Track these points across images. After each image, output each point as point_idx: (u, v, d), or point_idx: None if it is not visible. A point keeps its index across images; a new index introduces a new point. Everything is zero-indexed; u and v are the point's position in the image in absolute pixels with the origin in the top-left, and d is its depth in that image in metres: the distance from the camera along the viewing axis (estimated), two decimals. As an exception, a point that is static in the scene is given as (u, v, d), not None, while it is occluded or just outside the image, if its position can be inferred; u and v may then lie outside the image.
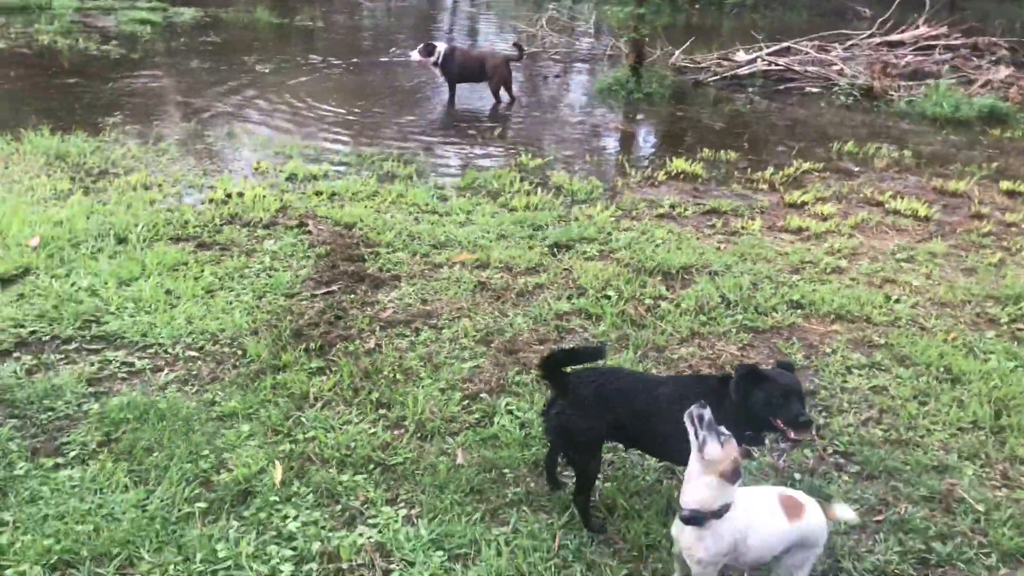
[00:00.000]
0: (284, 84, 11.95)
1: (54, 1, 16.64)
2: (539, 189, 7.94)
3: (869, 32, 15.58)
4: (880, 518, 3.64)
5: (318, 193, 7.40)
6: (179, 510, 3.48)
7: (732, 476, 2.81)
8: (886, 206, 8.00)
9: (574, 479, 3.55)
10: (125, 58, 12.93)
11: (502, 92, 11.72)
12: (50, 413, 4.11)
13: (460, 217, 7.05)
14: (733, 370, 3.34)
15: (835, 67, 14.05)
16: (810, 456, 4.05)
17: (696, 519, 2.85)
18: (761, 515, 2.95)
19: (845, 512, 3.19)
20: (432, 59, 11.32)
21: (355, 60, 14.29)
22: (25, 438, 3.91)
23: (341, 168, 8.31)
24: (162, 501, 3.51)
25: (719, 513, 2.85)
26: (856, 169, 9.42)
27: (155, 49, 13.94)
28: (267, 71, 12.72)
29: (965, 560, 3.43)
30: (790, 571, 3.03)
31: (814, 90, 13.55)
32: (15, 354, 4.62)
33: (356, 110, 10.82)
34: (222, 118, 9.99)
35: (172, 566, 3.19)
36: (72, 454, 3.81)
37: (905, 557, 3.43)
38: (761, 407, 3.15)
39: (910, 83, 13.55)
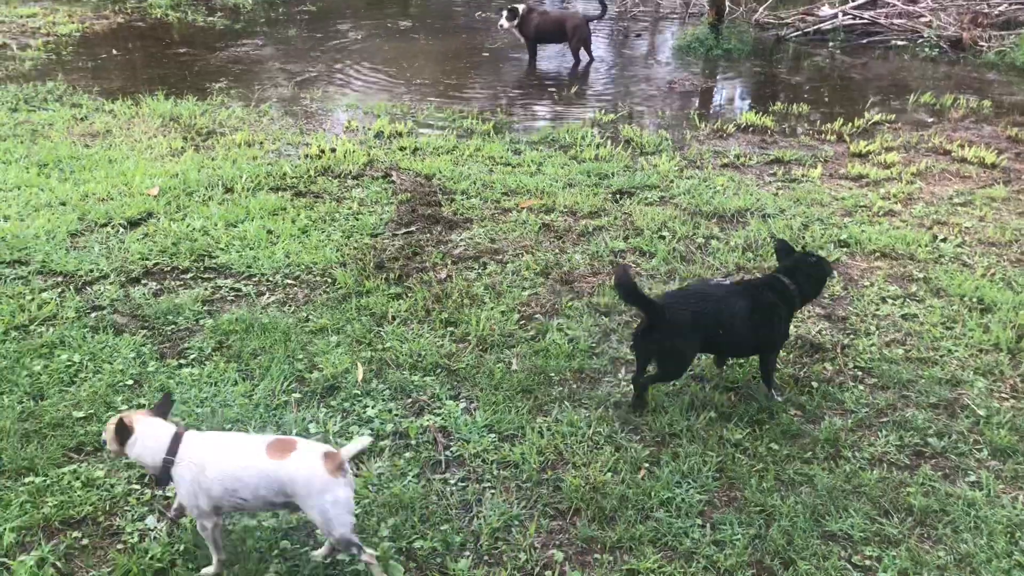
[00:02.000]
0: (375, 49, 12.69)
1: (165, -23, 17.83)
2: (609, 142, 8.39)
3: (962, -19, 15.17)
4: (885, 419, 4.06)
5: (402, 148, 8.07)
6: (278, 399, 4.20)
7: None
8: (953, 154, 8.12)
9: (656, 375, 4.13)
10: (229, 28, 13.90)
11: (582, 52, 12.14)
12: (173, 326, 4.90)
13: (531, 168, 7.59)
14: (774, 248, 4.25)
15: (923, 19, 13.83)
16: (829, 368, 4.48)
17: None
18: (226, 452, 3.04)
19: (353, 447, 3.09)
20: (514, 22, 11.84)
21: (443, 24, 14.92)
22: (155, 344, 4.71)
23: (424, 127, 8.95)
24: (265, 392, 4.24)
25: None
26: (930, 120, 9.49)
27: (256, 19, 14.88)
28: (359, 37, 13.47)
29: (957, 453, 3.83)
30: (323, 526, 2.99)
31: (899, 43, 13.42)
32: (143, 281, 5.45)
33: (441, 72, 11.45)
34: (317, 82, 10.78)
35: (273, 439, 3.92)
36: (192, 356, 4.59)
37: (902, 449, 3.86)
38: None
39: (1002, 33, 13.24)
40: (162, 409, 3.23)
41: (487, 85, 10.94)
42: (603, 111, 9.64)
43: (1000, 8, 13.97)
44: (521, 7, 11.93)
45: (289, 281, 5.43)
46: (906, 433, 3.96)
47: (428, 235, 6.13)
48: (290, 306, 5.12)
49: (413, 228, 6.26)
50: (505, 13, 11.93)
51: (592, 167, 7.59)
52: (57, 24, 13.16)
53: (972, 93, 10.63)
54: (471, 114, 9.30)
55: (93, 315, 4.96)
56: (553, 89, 10.75)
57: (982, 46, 12.83)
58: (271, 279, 5.44)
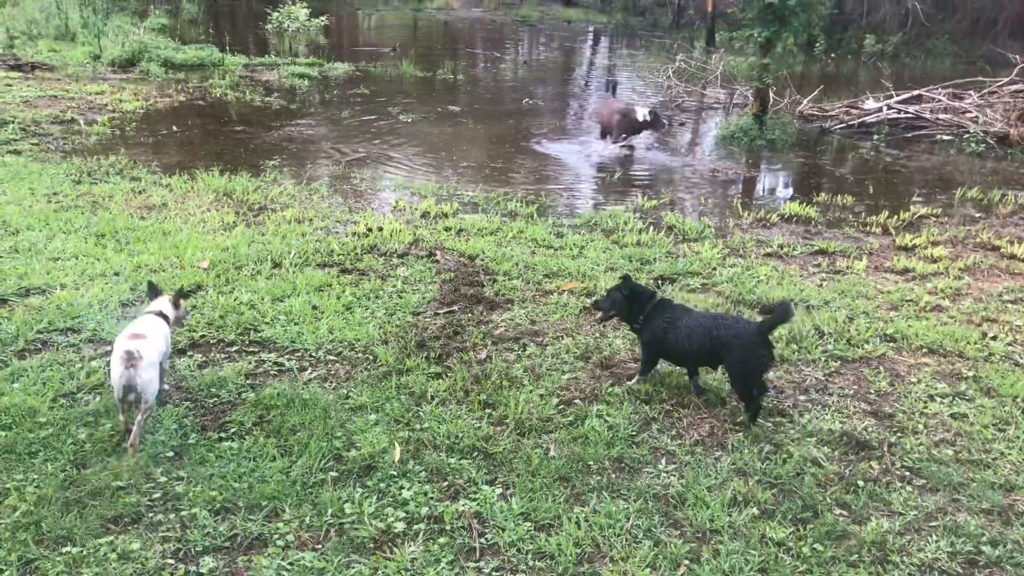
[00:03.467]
0: (424, 132, 13.06)
1: (226, 59, 18.66)
2: (651, 228, 8.45)
3: (1009, 79, 15.25)
4: (935, 523, 3.92)
5: (447, 229, 8.20)
6: (315, 477, 4.19)
7: None
8: (1002, 251, 8.03)
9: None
10: (285, 108, 14.43)
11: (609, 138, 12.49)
12: (216, 399, 4.96)
13: (573, 251, 7.65)
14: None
15: (969, 114, 13.88)
16: (876, 467, 4.36)
17: None
18: None
19: None
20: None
21: (491, 109, 15.34)
22: (196, 416, 4.76)
23: (470, 208, 9.12)
24: (302, 469, 4.24)
25: None
26: (977, 215, 9.42)
27: (311, 100, 15.44)
28: (409, 120, 13.88)
29: (1013, 564, 3.66)
30: None
31: (945, 138, 13.45)
32: (189, 353, 5.55)
33: (487, 156, 11.71)
34: (367, 162, 11.08)
35: (308, 517, 3.90)
36: (232, 430, 4.62)
37: (954, 556, 3.71)
38: None
39: (1051, 130, 13.20)
40: None
41: (533, 169, 11.14)
42: (646, 197, 9.73)
43: (1048, 106, 13.97)
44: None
45: (331, 357, 5.48)
46: (958, 539, 3.81)
47: (469, 315, 6.17)
48: (331, 382, 5.15)
49: (455, 307, 6.31)
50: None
51: (634, 252, 7.62)
52: (123, 101, 13.77)
53: (1021, 189, 10.56)
54: (515, 196, 9.46)
55: (139, 385, 5.04)
56: (598, 176, 10.91)
57: (1031, 143, 12.80)
58: (314, 354, 5.50)
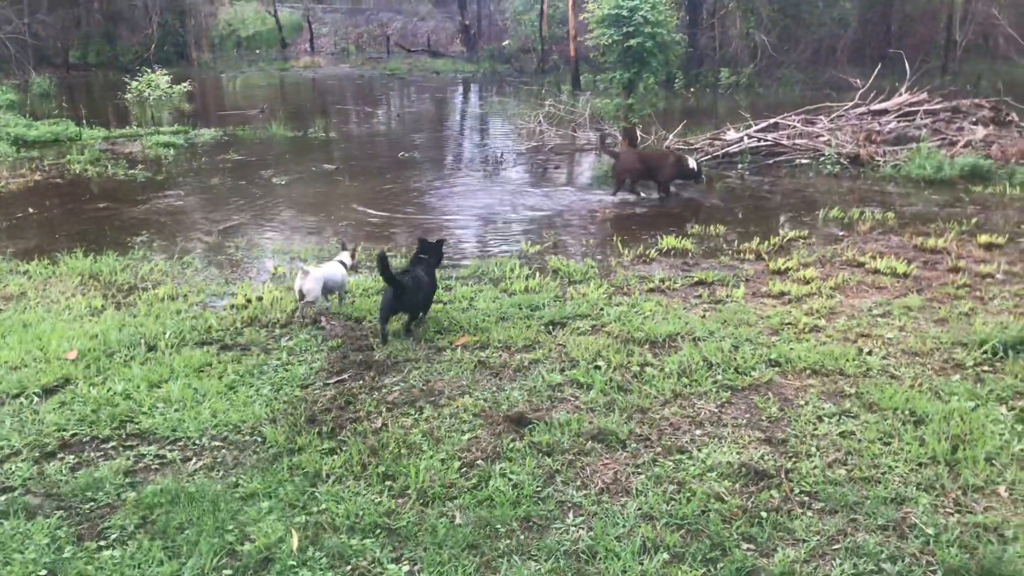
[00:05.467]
0: (300, 193, 12.81)
1: (84, 133, 17.87)
2: (537, 273, 8.50)
3: (853, 103, 16.33)
4: (837, 546, 4.00)
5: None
6: (208, 578, 3.92)
7: None
8: (867, 266, 8.47)
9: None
10: (151, 180, 13.89)
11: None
12: (92, 503, 4.59)
13: (463, 304, 7.60)
14: None
15: (822, 138, 14.74)
16: (776, 496, 4.43)
17: None
18: None
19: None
20: None
21: (366, 166, 15.23)
22: (71, 526, 4.39)
23: (352, 268, 8.92)
24: (193, 571, 3.95)
25: None
26: (841, 233, 9.95)
27: (178, 170, 14.93)
28: (283, 182, 13.60)
29: (913, 578, 3.77)
30: None
31: (803, 161, 14.22)
32: (59, 455, 5.14)
33: (367, 212, 11.58)
34: (241, 230, 10.75)
35: (202, 625, 3.62)
36: (113, 536, 4.28)
37: (858, 578, 3.78)
38: None
39: (895, 148, 14.19)
40: None
41: (417, 224, 11.08)
42: (529, 242, 9.82)
43: (890, 126, 15.01)
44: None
45: (217, 443, 5.19)
46: (860, 560, 3.90)
47: (361, 382, 6.00)
48: (219, 471, 4.87)
49: (345, 375, 6.12)
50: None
51: (523, 299, 7.64)
52: (-29, 185, 12.93)
53: (876, 205, 11.25)
54: (399, 253, 9.35)
55: (2, 498, 4.62)
56: (478, 224, 10.95)
57: (879, 161, 13.69)
58: (198, 442, 5.20)
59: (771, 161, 14.46)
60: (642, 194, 12.48)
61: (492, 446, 5.01)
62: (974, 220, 10.16)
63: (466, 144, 19.40)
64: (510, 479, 4.66)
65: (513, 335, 6.73)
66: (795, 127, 15.30)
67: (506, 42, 38.14)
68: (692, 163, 12.29)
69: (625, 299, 7.66)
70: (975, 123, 15.05)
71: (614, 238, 10.07)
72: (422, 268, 7.04)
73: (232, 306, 7.67)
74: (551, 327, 6.99)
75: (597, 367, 6.10)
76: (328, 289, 7.41)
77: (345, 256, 7.77)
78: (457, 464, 4.81)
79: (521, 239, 10.06)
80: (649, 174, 12.41)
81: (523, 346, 6.56)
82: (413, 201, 12.46)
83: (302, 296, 7.22)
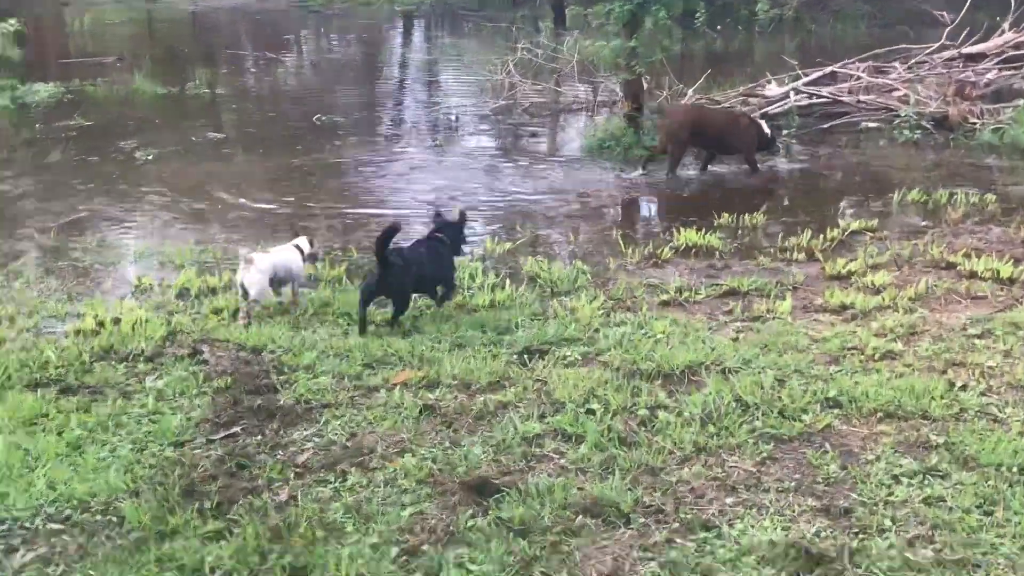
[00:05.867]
0: (174, 173, 12.72)
1: None
2: (508, 281, 8.50)
3: (939, 44, 16.56)
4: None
5: (217, 311, 7.93)
6: None
7: None
8: (959, 268, 8.58)
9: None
10: (-39, 157, 13.73)
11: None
12: None
13: (404, 326, 7.57)
14: None
15: (897, 93, 14.95)
16: (839, 587, 4.45)
17: None
18: None
19: None
20: None
21: (270, 135, 15.17)
22: None
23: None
24: None
25: None
26: (923, 223, 10.09)
27: (1, 142, 14.77)
28: (150, 158, 13.50)
29: None
30: None
31: (872, 125, 14.42)
32: None
33: (270, 199, 11.53)
34: (92, 224, 10.65)
35: None
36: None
37: None
38: None
39: (996, 106, 14.41)
40: None
41: (336, 213, 11.07)
42: (496, 238, 9.82)
43: (989, 76, 15.23)
44: None
45: (54, 526, 5.10)
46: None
47: (259, 437, 5.93)
48: (57, 565, 4.78)
49: (237, 428, 6.06)
50: None
51: (487, 318, 7.63)
52: None
53: (971, 185, 11.41)
54: (317, 253, 9.30)
55: None
56: (428, 210, 10.99)
57: (974, 123, 13.88)
58: (27, 525, 5.11)
59: (827, 125, 14.62)
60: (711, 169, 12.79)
61: (444, 524, 4.98)
62: (1105, 204, 10.33)
63: (408, 103, 19.42)
64: (470, 571, 4.63)
65: (473, 368, 6.70)
66: (860, 78, 15.49)
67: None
68: (766, 126, 12.57)
69: (629, 316, 7.68)
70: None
71: (614, 231, 10.10)
72: (427, 248, 7.79)
73: (78, 332, 7.57)
74: (527, 356, 6.97)
75: (590, 412, 6.09)
76: (279, 280, 7.97)
77: (302, 241, 8.33)
78: (394, 551, 4.77)
79: (485, 233, 10.06)
80: (714, 141, 12.58)
81: (487, 384, 6.54)
82: (332, 184, 12.45)
83: (245, 293, 7.68)
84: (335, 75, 22.25)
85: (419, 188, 12.32)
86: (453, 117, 16.46)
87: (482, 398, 6.33)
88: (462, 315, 7.80)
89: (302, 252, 8.20)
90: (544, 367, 6.79)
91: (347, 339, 7.29)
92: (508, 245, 9.66)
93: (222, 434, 5.99)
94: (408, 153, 14.28)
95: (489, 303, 8.00)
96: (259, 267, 7.67)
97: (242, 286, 7.69)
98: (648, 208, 11.83)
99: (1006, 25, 17.13)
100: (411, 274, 7.49)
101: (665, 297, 8.13)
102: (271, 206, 11.34)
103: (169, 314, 7.91)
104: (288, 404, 6.31)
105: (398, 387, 6.51)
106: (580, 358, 6.93)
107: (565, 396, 6.27)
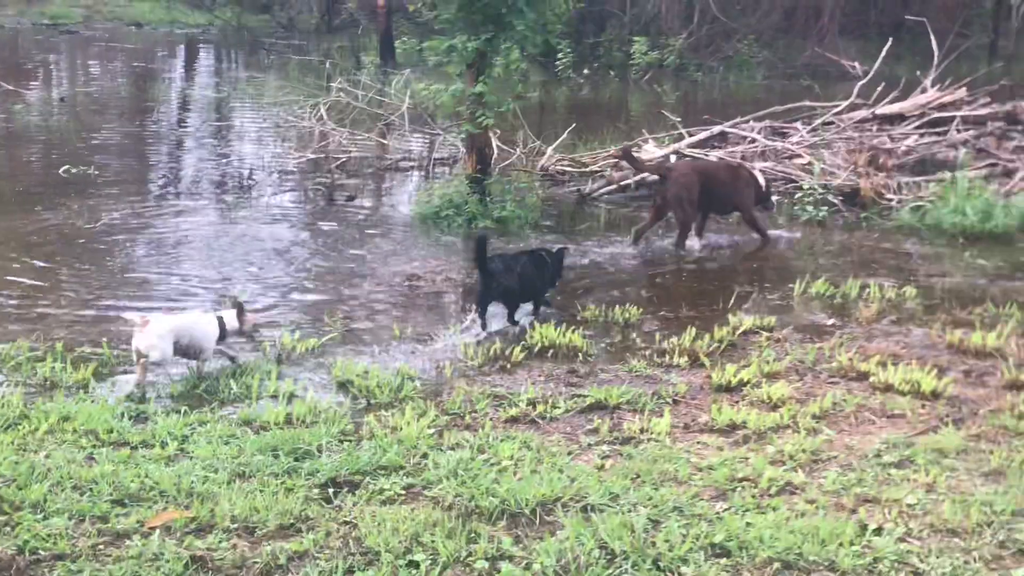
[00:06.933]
0: None
1: None
2: (310, 390, 8.37)
3: (849, 102, 17.27)
4: None
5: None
6: None
7: None
8: (873, 379, 8.79)
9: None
10: None
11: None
12: None
13: (168, 449, 7.34)
14: None
15: (799, 160, 15.46)
16: None
17: None
18: None
19: None
20: None
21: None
22: None
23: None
24: None
25: None
26: (830, 322, 10.36)
27: None
28: None
29: None
30: None
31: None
32: None
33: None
34: None
35: None
36: None
37: None
38: None
39: (916, 179, 15.02)
40: None
41: (82, 300, 10.83)
42: (296, 332, 9.70)
43: (908, 142, 15.92)
44: None
45: None
46: None
47: (-35, 602, 5.64)
48: None
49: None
50: None
51: (281, 438, 7.46)
52: None
53: (887, 275, 11.82)
54: (50, 349, 9.13)
55: None
56: (204, 294, 10.81)
57: (890, 199, 14.43)
58: None
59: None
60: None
61: None
62: (1046, 301, 10.82)
63: (188, 153, 19.20)
64: None
65: (260, 506, 6.52)
66: (755, 141, 15.98)
67: (266, -25, 38.48)
68: (762, 177, 13.26)
69: (467, 437, 7.61)
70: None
71: (451, 326, 10.08)
72: (529, 258, 10.66)
73: None
74: (332, 490, 6.83)
75: (413, 564, 5.99)
76: (185, 348, 8.70)
77: (229, 314, 9.05)
78: None
79: (286, 327, 9.92)
80: (718, 201, 13.20)
81: (277, 527, 6.38)
82: (76, 259, 12.13)
83: (139, 356, 8.46)
84: (93, 115, 21.88)
85: (193, 267, 12.12)
86: (246, 172, 16.31)
87: (270, 546, 6.17)
88: (247, 434, 7.61)
89: (223, 324, 8.88)
90: (355, 504, 6.66)
91: (92, 466, 7.02)
92: (313, 342, 9.53)
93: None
94: (183, 217, 14.05)
95: (284, 419, 7.84)
96: (156, 330, 8.41)
97: (137, 351, 8.39)
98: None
99: (928, 81, 17.92)
100: (514, 277, 10.20)
101: (514, 412, 8.09)
102: None
103: None
104: (5, 556, 6.02)
105: (157, 531, 6.29)
106: (402, 492, 6.82)
107: (381, 544, 6.16)
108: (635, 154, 14.75)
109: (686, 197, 12.86)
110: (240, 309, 9.16)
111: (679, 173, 13.29)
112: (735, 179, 13.27)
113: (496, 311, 10.47)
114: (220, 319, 8.92)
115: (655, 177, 13.74)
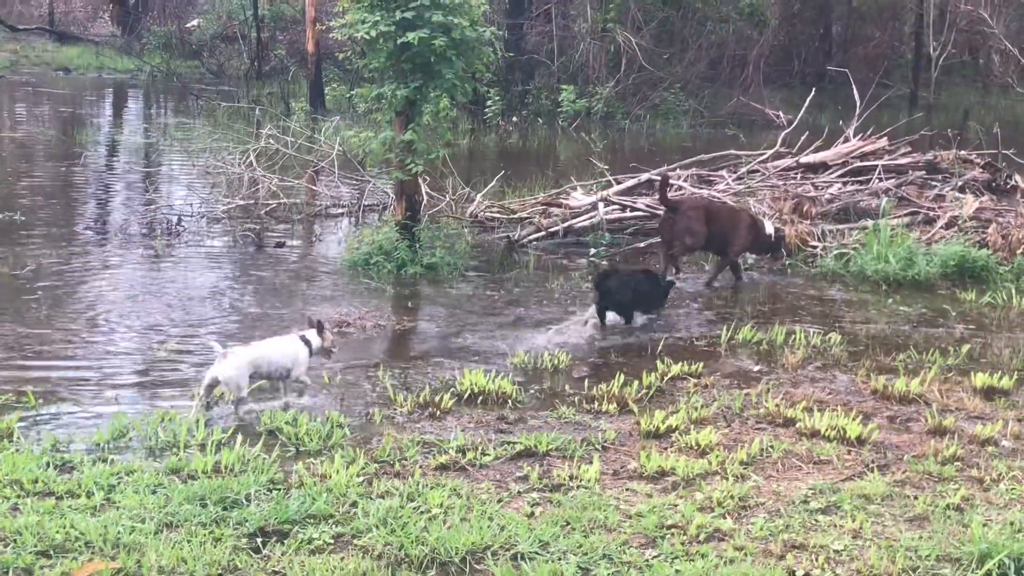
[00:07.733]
0: None
1: None
2: (239, 437, 8.29)
3: (774, 151, 17.51)
4: None
5: None
6: None
7: None
8: (799, 425, 8.87)
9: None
10: None
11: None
12: None
13: (94, 498, 7.23)
14: None
15: (724, 208, 15.61)
16: None
17: None
18: None
19: None
20: None
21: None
22: None
23: None
24: None
25: None
26: (756, 368, 10.44)
27: None
28: None
29: None
30: None
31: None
32: None
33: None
34: None
35: None
36: None
37: None
38: None
39: (840, 227, 15.23)
40: None
41: (15, 338, 10.70)
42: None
43: (832, 190, 16.15)
44: None
45: None
46: None
47: None
48: None
49: None
50: None
51: (208, 487, 7.37)
52: None
53: (812, 322, 11.95)
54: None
55: None
56: (130, 343, 10.70)
57: (814, 246, 14.61)
58: None
59: (643, 243, 15.11)
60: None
61: None
62: (965, 349, 10.94)
63: (116, 198, 19.03)
64: None
65: (188, 557, 6.45)
66: (682, 188, 16.12)
67: (195, 22, 38.32)
68: (769, 227, 13.56)
69: (397, 485, 7.58)
70: (961, 189, 16.43)
71: (379, 370, 10.05)
72: (644, 275, 12.23)
73: None
74: (260, 540, 6.77)
75: (341, 615, 5.94)
76: (267, 374, 9.18)
77: (311, 333, 9.44)
78: None
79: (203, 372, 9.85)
80: (716, 239, 13.53)
81: (206, 578, 6.32)
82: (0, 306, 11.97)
83: (211, 388, 8.95)
84: (19, 159, 21.63)
85: (121, 309, 11.99)
86: (174, 219, 16.17)
87: (198, 598, 6.10)
88: (175, 483, 7.52)
89: (308, 344, 9.28)
90: (283, 554, 6.60)
91: (16, 517, 6.91)
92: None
93: None
94: (111, 263, 13.92)
95: (212, 467, 7.75)
96: (234, 362, 8.78)
97: (210, 383, 8.87)
98: (423, 342, 11.85)
99: (850, 131, 18.25)
100: (629, 290, 11.76)
101: (443, 459, 8.06)
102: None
103: None
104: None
105: (84, 585, 6.20)
106: (332, 541, 6.77)
107: (309, 595, 6.11)
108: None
109: (695, 229, 13.35)
110: (320, 327, 9.49)
111: (689, 206, 13.78)
112: (736, 222, 13.63)
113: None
114: (304, 338, 9.29)
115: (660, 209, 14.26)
